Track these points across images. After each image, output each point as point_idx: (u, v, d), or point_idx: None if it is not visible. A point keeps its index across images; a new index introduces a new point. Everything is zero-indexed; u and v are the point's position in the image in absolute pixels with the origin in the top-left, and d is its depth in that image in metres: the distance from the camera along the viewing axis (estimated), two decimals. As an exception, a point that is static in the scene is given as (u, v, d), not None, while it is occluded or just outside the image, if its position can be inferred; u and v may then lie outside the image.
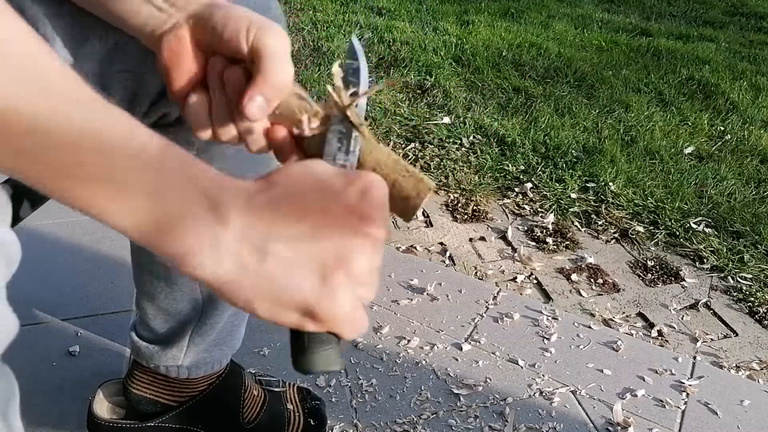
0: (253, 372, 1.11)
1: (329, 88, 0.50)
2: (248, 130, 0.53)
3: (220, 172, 0.42)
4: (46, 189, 0.39)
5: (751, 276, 1.69)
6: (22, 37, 0.37)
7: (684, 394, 1.25)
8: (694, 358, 1.37)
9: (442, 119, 2.39)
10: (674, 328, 1.49)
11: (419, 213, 1.85)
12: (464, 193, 1.96)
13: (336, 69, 0.51)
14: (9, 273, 0.43)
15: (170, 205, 0.39)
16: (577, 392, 1.23)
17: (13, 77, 0.36)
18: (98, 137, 0.37)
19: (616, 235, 1.83)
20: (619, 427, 1.16)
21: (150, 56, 0.65)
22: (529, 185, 2.02)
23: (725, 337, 1.48)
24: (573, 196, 1.98)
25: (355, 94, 0.51)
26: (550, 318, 1.42)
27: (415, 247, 1.69)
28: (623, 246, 1.80)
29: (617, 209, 1.94)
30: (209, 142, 0.74)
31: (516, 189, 2.01)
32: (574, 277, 1.63)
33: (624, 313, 1.53)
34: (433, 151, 2.18)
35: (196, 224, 0.39)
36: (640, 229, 1.86)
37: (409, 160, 2.12)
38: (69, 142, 0.37)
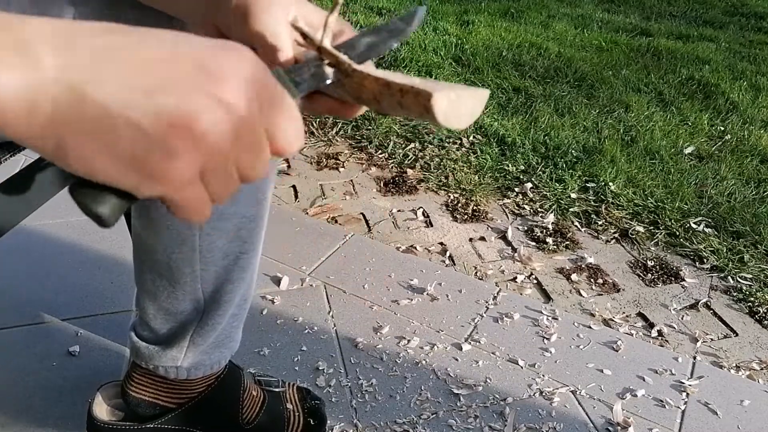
0: (252, 372, 1.11)
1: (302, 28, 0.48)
2: None
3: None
4: None
5: (751, 276, 1.69)
6: None
7: (684, 394, 1.25)
8: (694, 358, 1.37)
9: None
10: (674, 328, 1.49)
11: (419, 213, 1.85)
12: (464, 193, 1.96)
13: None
14: None
15: None
16: (577, 392, 1.23)
17: None
18: None
19: (616, 235, 1.83)
20: (619, 427, 1.16)
21: None
22: (529, 185, 2.02)
23: (725, 337, 1.48)
24: (573, 196, 1.98)
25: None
26: (550, 318, 1.42)
27: (415, 247, 1.69)
28: (623, 246, 1.80)
29: (617, 209, 1.94)
30: None
31: (516, 189, 2.01)
32: (574, 277, 1.63)
33: (624, 313, 1.52)
34: (433, 151, 2.18)
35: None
36: (640, 229, 1.86)
37: (410, 160, 2.12)
38: None
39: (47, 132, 0.34)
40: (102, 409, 1.00)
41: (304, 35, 0.48)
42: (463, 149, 2.22)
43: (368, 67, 0.47)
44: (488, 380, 1.24)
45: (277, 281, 1.44)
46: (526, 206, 1.93)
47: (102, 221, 0.38)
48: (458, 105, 0.45)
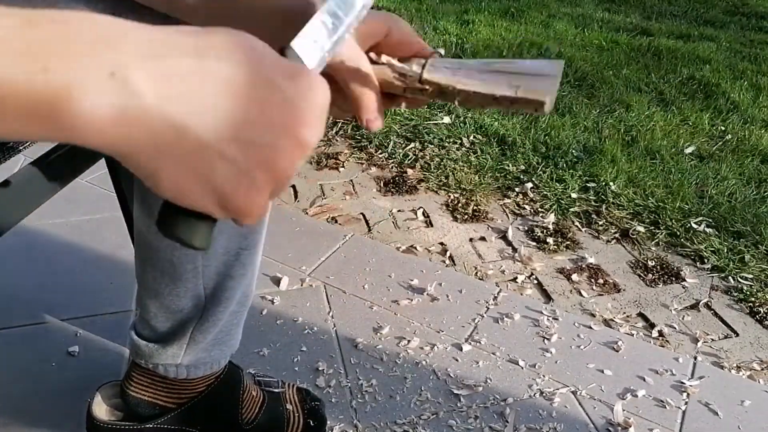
0: (252, 372, 1.11)
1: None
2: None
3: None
4: None
5: (751, 276, 1.68)
6: None
7: (685, 394, 1.25)
8: (695, 358, 1.37)
9: (442, 119, 2.38)
10: (675, 328, 1.49)
11: (419, 213, 1.85)
12: (464, 193, 1.96)
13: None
14: None
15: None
16: (578, 393, 1.23)
17: None
18: None
19: (616, 235, 1.83)
20: (619, 428, 1.16)
21: None
22: (529, 185, 2.01)
23: (726, 337, 1.48)
24: (573, 196, 1.98)
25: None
26: (550, 318, 1.41)
27: (415, 247, 1.69)
28: (624, 246, 1.79)
29: (618, 209, 1.93)
30: None
31: (516, 189, 2.01)
32: (574, 277, 1.63)
33: (624, 313, 1.52)
34: (434, 151, 2.18)
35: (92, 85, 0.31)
36: (641, 229, 1.85)
37: (410, 159, 2.12)
38: None
39: (144, 158, 0.34)
40: (101, 409, 1.00)
41: (403, 73, 0.53)
42: (464, 149, 2.21)
43: (467, 81, 0.51)
44: (488, 381, 1.23)
45: (277, 281, 1.43)
46: (526, 206, 1.93)
47: (196, 248, 0.41)
48: (555, 91, 0.50)
